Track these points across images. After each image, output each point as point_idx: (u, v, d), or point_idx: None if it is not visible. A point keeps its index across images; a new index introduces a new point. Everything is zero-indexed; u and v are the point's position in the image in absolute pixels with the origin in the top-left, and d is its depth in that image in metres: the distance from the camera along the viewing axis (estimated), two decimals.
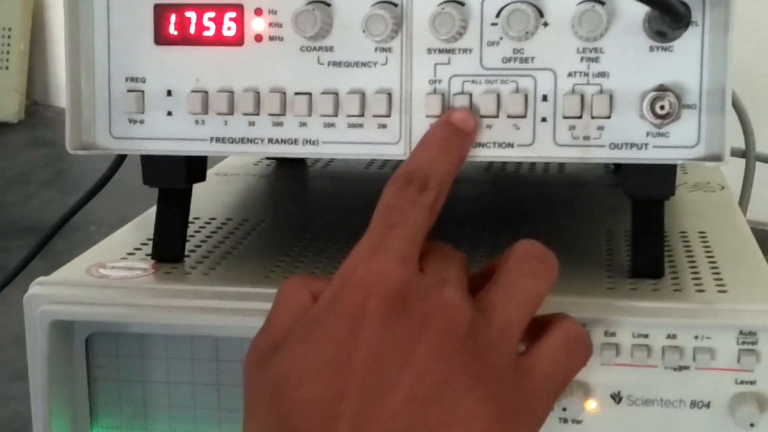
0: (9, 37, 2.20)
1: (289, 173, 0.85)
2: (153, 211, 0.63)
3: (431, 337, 0.44)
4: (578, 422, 0.54)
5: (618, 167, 0.81)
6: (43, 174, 1.52)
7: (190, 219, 0.66)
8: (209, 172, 0.82)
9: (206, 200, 0.74)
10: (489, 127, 0.54)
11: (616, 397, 0.53)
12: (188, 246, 0.64)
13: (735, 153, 0.91)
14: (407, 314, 0.44)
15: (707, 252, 0.61)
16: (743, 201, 0.89)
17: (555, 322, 0.48)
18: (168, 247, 0.61)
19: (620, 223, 0.66)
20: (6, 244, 1.20)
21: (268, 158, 0.87)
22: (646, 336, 0.52)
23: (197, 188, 0.63)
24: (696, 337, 0.52)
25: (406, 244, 0.46)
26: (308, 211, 0.76)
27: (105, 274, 0.60)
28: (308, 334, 0.46)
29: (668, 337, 0.52)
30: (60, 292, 0.57)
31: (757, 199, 0.92)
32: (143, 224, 0.69)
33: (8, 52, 2.19)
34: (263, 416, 0.45)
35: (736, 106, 0.87)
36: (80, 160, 1.29)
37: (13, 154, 1.63)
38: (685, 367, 0.52)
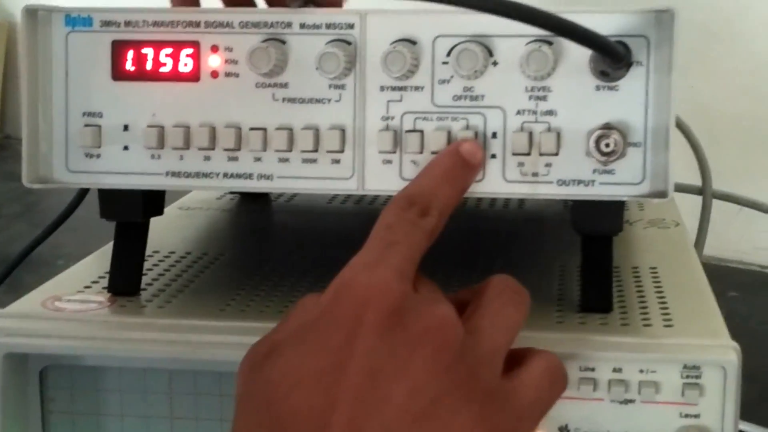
0: None
1: (251, 207, 0.85)
2: (110, 246, 0.63)
3: (427, 352, 0.44)
4: None
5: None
6: (13, 207, 1.52)
7: (150, 252, 0.67)
8: (172, 206, 0.83)
9: (167, 234, 0.75)
10: None
11: (564, 430, 0.54)
12: (145, 279, 0.64)
13: (692, 190, 0.93)
14: (403, 328, 0.45)
15: (657, 287, 0.62)
16: (700, 237, 0.90)
17: (536, 353, 0.49)
18: (124, 281, 0.62)
19: (573, 257, 0.67)
20: None
21: (231, 192, 0.87)
22: (592, 369, 0.53)
23: (159, 222, 0.63)
24: (641, 371, 0.53)
25: (404, 262, 0.47)
26: (268, 245, 0.77)
27: (60, 306, 0.60)
28: (303, 341, 0.46)
29: (614, 370, 0.53)
30: (15, 324, 0.58)
31: (714, 235, 0.93)
32: (101, 257, 0.69)
33: None
34: (253, 421, 0.45)
35: (693, 144, 0.89)
36: (50, 194, 1.28)
37: None
38: (631, 401, 0.53)
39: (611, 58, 0.51)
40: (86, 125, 0.58)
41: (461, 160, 0.53)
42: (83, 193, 0.79)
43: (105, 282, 0.63)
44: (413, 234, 0.49)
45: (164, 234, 0.74)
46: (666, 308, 0.58)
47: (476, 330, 0.47)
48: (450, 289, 0.56)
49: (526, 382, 0.47)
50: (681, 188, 0.90)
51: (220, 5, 0.60)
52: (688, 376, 0.52)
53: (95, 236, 0.71)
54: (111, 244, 0.68)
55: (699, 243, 0.90)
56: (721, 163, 0.98)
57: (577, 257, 0.65)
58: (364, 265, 0.47)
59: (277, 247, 0.76)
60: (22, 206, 1.51)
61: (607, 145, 0.53)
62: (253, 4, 0.60)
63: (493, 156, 0.55)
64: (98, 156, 0.58)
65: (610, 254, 0.57)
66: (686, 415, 0.52)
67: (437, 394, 0.44)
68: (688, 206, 0.89)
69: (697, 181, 0.92)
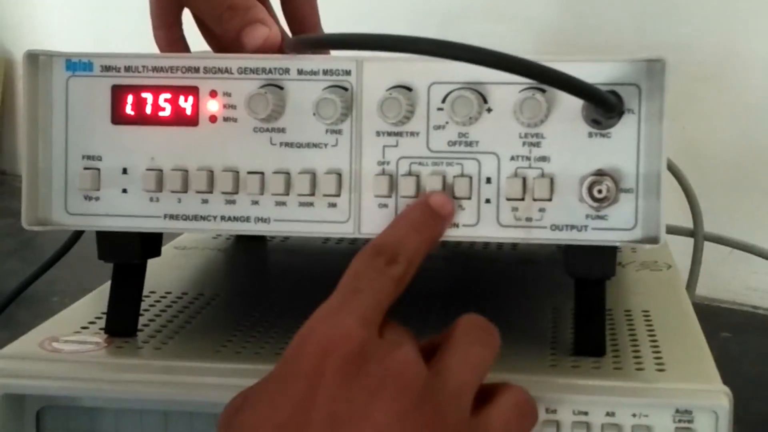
0: None
1: (247, 247, 0.86)
2: (107, 286, 0.64)
3: (387, 395, 0.45)
4: None
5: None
6: (8, 244, 1.52)
7: (146, 293, 0.67)
8: (168, 246, 0.84)
9: (163, 274, 0.75)
10: None
11: None
12: (142, 320, 0.65)
13: (683, 232, 0.93)
14: (365, 373, 0.45)
15: (649, 330, 0.63)
16: (692, 279, 0.91)
17: (504, 388, 0.50)
18: (121, 322, 0.62)
19: (566, 300, 0.67)
20: None
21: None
22: (585, 413, 0.53)
23: (155, 261, 0.64)
24: (634, 415, 0.53)
25: (368, 310, 0.48)
26: (264, 286, 0.77)
27: (57, 347, 0.60)
28: (268, 394, 0.46)
29: (607, 414, 0.53)
30: (12, 365, 0.58)
31: (706, 275, 0.94)
32: (99, 298, 0.69)
33: None
34: None
35: (684, 187, 0.90)
36: (45, 231, 1.29)
37: None
38: None
39: (603, 108, 0.52)
40: (85, 168, 0.58)
41: (431, 212, 0.54)
42: (78, 233, 0.79)
43: (102, 323, 0.64)
44: (379, 281, 0.49)
45: (160, 274, 0.75)
46: (658, 352, 0.59)
47: (443, 369, 0.48)
48: (440, 333, 0.57)
49: (494, 418, 0.48)
50: (672, 230, 0.91)
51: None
52: (680, 420, 0.53)
53: (90, 273, 0.72)
54: (107, 284, 0.69)
55: (691, 284, 0.90)
56: (712, 204, 0.99)
57: (571, 299, 0.66)
58: (326, 314, 0.48)
59: (273, 288, 0.76)
60: (17, 242, 1.51)
61: (600, 191, 0.54)
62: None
63: (488, 201, 0.55)
64: (97, 198, 0.58)
65: (603, 298, 0.58)
66: None
67: None
68: (680, 246, 0.90)
69: (688, 222, 0.92)
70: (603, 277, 0.57)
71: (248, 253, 0.85)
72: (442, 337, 0.51)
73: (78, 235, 0.79)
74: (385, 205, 0.56)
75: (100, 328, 0.63)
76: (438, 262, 0.81)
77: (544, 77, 0.50)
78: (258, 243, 0.87)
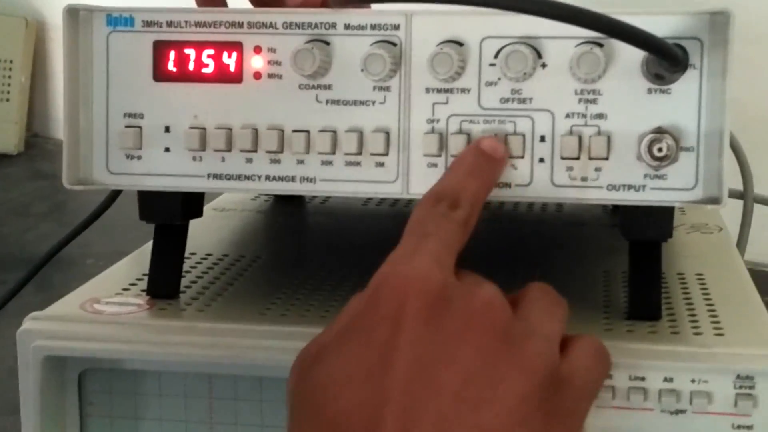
0: (10, 69, 2.20)
1: (286, 209, 0.84)
2: (149, 246, 0.63)
3: (475, 336, 0.44)
4: None
5: (616, 208, 0.81)
6: (42, 206, 1.52)
7: (186, 254, 0.66)
8: (207, 207, 0.82)
9: (203, 236, 0.74)
10: None
11: None
12: (184, 282, 0.63)
13: (733, 194, 0.91)
14: (449, 314, 0.44)
15: (705, 294, 0.61)
16: (741, 242, 0.89)
17: (580, 337, 0.49)
18: (163, 283, 0.61)
19: (618, 263, 0.66)
20: (3, 276, 1.20)
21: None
22: (642, 379, 0.52)
23: (195, 223, 0.63)
24: (693, 381, 0.51)
25: (441, 251, 0.46)
26: (305, 247, 0.76)
27: (99, 309, 0.59)
28: (348, 341, 0.45)
29: (665, 380, 0.52)
30: (53, 327, 0.57)
31: (754, 240, 0.91)
32: (139, 259, 0.68)
33: (9, 84, 2.19)
34: (307, 428, 0.44)
35: (735, 148, 0.87)
36: (79, 193, 1.28)
37: (11, 186, 1.63)
38: (682, 411, 0.52)
39: (670, 61, 0.50)
40: (127, 126, 0.57)
41: (484, 156, 0.52)
42: (115, 194, 0.78)
43: (143, 284, 0.63)
44: (446, 225, 0.48)
45: (201, 236, 0.73)
46: (715, 316, 0.57)
47: (528, 316, 0.47)
48: None
49: (577, 366, 0.47)
50: None
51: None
52: (741, 387, 0.51)
53: (124, 237, 0.71)
54: (147, 246, 0.68)
55: (740, 247, 0.88)
56: (762, 167, 0.97)
57: (622, 262, 0.64)
58: (400, 257, 0.46)
59: (315, 249, 0.75)
60: (51, 205, 1.51)
61: (660, 150, 0.52)
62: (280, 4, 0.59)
63: (541, 160, 0.54)
64: (139, 158, 0.57)
65: (659, 261, 0.56)
66: (739, 426, 0.51)
67: (492, 380, 0.43)
68: (727, 210, 0.88)
69: (737, 185, 0.90)
70: (660, 239, 0.56)
71: (288, 215, 0.84)
72: (512, 298, 0.49)
73: (115, 196, 0.78)
74: (435, 165, 0.55)
75: (142, 290, 0.62)
76: (481, 226, 0.79)
77: (610, 29, 0.48)
78: (297, 205, 0.86)
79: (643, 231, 0.55)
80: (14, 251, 1.34)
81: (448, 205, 0.49)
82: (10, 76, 2.20)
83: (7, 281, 1.19)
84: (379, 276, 0.46)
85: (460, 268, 0.48)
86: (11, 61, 2.21)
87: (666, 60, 0.50)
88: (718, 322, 0.56)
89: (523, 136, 0.54)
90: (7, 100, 2.17)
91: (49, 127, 2.04)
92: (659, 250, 0.56)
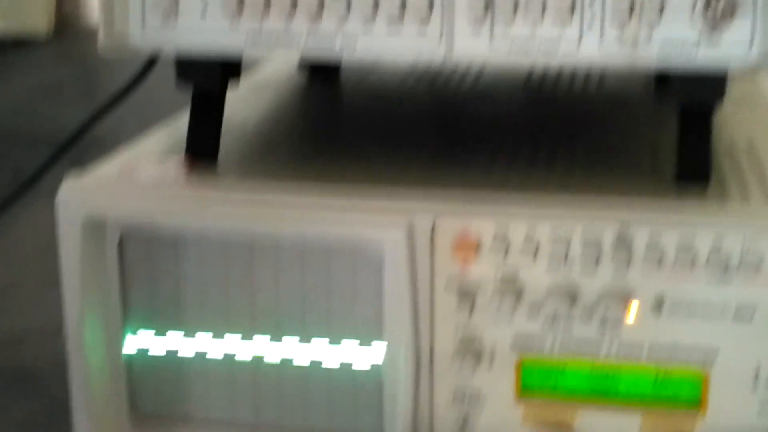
0: None
1: (322, 87, 0.83)
2: (186, 117, 0.62)
3: None
4: (618, 328, 0.53)
5: (659, 83, 0.79)
6: (73, 89, 1.51)
7: (224, 122, 0.65)
8: (242, 84, 0.81)
9: (238, 108, 0.73)
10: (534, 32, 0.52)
11: (658, 303, 0.52)
12: (222, 149, 0.63)
13: None
14: None
15: (754, 160, 0.60)
16: None
17: None
18: (202, 149, 0.61)
19: (663, 138, 0.64)
20: (37, 158, 1.20)
21: (301, 67, 0.85)
22: (691, 242, 0.51)
23: (230, 96, 0.62)
24: (742, 245, 0.50)
25: None
26: (343, 119, 0.75)
27: (138, 174, 0.59)
28: None
29: (714, 244, 0.51)
30: (93, 192, 0.57)
31: None
32: (176, 127, 0.68)
33: None
34: None
35: None
36: (111, 75, 1.27)
37: (42, 68, 1.62)
38: (730, 276, 0.51)
39: None
40: None
41: None
42: (149, 64, 0.77)
43: (181, 149, 0.62)
44: None
45: (236, 108, 0.73)
46: (765, 181, 0.56)
47: None
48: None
49: None
50: None
51: None
52: None
53: (158, 118, 0.70)
54: (183, 117, 0.67)
55: None
56: None
57: (667, 137, 0.63)
58: None
59: (353, 121, 0.74)
60: (82, 88, 1.50)
61: (715, 10, 0.50)
62: None
63: (591, 21, 0.52)
64: (175, 20, 0.56)
65: (710, 125, 0.55)
66: None
67: None
68: None
69: None
70: (712, 103, 0.54)
71: (323, 92, 0.82)
72: None
73: (148, 66, 0.77)
74: (479, 28, 0.53)
75: (180, 155, 0.61)
76: (521, 103, 0.78)
77: None
78: (332, 82, 0.84)
79: (696, 95, 0.53)
80: (46, 133, 1.34)
81: None
82: None
83: (40, 163, 1.19)
84: None
85: None
86: None
87: None
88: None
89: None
90: None
91: (79, 9, 2.02)
92: (710, 115, 0.55)
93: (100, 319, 0.58)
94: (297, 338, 0.58)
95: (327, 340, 0.57)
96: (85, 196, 0.56)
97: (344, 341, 0.57)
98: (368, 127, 0.70)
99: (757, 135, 0.66)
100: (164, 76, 0.64)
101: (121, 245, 0.58)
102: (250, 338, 0.58)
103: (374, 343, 0.56)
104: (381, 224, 0.54)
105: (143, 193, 0.57)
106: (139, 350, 0.59)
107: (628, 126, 0.70)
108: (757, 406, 0.52)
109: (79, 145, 1.07)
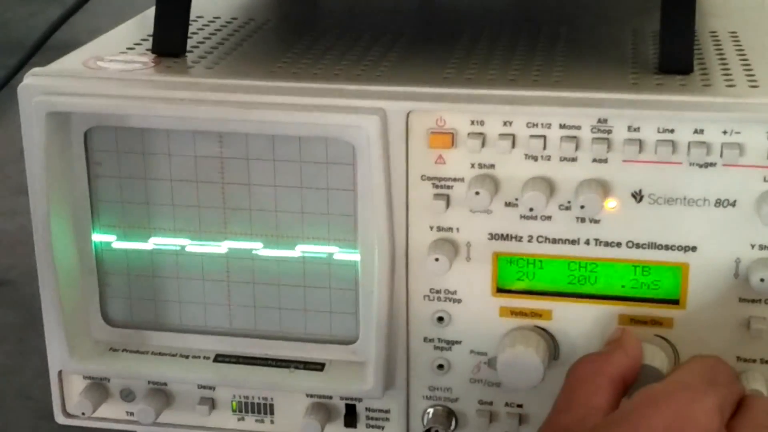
0: None
1: None
2: (152, 10, 0.60)
3: None
4: (596, 222, 0.52)
5: None
6: None
7: (193, 17, 0.63)
8: None
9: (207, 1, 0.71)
10: None
11: (637, 196, 0.51)
12: (190, 43, 0.61)
13: None
14: None
15: (738, 50, 0.58)
16: None
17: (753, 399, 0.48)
18: (169, 40, 0.58)
19: (646, 23, 0.62)
20: (9, 62, 1.17)
21: None
22: (671, 131, 0.50)
23: None
24: (724, 132, 0.49)
25: (724, 403, 0.46)
26: (316, 13, 0.72)
27: (103, 66, 0.57)
28: None
29: (695, 132, 0.49)
30: (56, 83, 0.55)
31: None
32: (144, 22, 0.65)
33: None
34: None
35: None
36: None
37: None
38: (712, 164, 0.50)
39: None
40: None
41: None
42: None
43: (148, 44, 0.60)
44: (736, 386, 0.48)
45: (207, 0, 0.70)
46: (750, 69, 0.54)
47: None
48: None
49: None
50: None
51: None
52: None
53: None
54: (149, 10, 0.65)
55: None
56: None
57: (649, 23, 0.61)
58: (685, 391, 0.45)
59: (326, 16, 0.71)
60: None
61: None
62: None
63: None
64: None
65: (693, 10, 0.53)
66: None
67: None
68: None
69: None
70: None
71: None
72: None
73: None
74: None
75: (147, 49, 0.59)
76: None
77: None
78: None
79: None
80: (19, 36, 1.31)
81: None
82: None
83: (11, 67, 1.16)
84: (655, 393, 0.45)
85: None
86: None
87: None
88: (752, 75, 0.53)
89: None
90: None
91: None
92: (693, 0, 0.53)
93: (67, 215, 0.57)
94: (269, 236, 0.56)
95: (299, 238, 0.56)
96: (48, 88, 0.54)
97: (317, 238, 0.56)
98: (341, 21, 0.68)
99: (743, 21, 0.64)
100: None
101: (87, 138, 0.56)
102: (222, 239, 0.57)
103: (348, 238, 0.55)
104: (355, 112, 0.52)
105: (108, 85, 0.55)
106: (108, 251, 0.58)
107: (612, 14, 0.68)
108: (737, 297, 0.51)
109: (54, 49, 1.04)
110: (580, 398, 0.48)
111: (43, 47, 1.15)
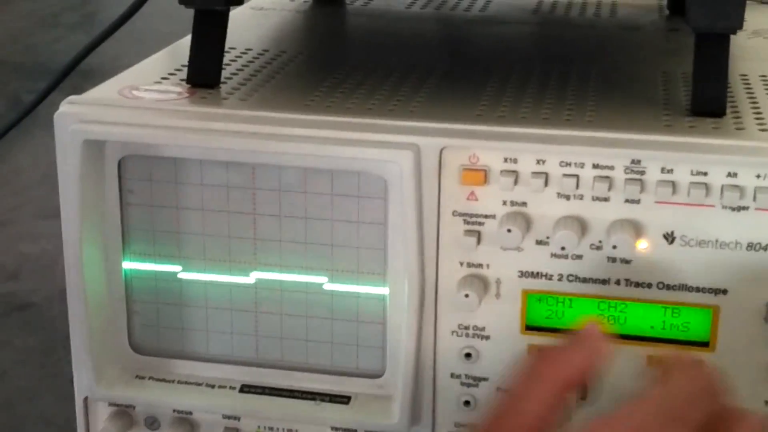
0: None
1: (326, 10, 0.81)
2: (187, 39, 0.60)
3: None
4: (627, 262, 0.52)
5: (673, 11, 0.77)
6: (72, 17, 1.48)
7: (226, 49, 0.63)
8: (244, 7, 0.79)
9: (242, 32, 0.71)
10: None
11: (669, 237, 0.51)
12: (224, 74, 0.61)
13: None
14: None
15: None
16: None
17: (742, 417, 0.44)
18: (204, 71, 0.59)
19: (677, 65, 0.63)
20: (35, 85, 1.18)
21: None
22: (705, 174, 0.50)
23: (232, 20, 0.60)
24: (758, 176, 0.49)
25: None
26: (347, 46, 0.73)
27: (138, 95, 0.57)
28: None
29: (728, 175, 0.50)
30: (92, 111, 0.55)
31: None
32: (177, 51, 0.66)
33: None
34: None
35: None
36: (109, 3, 1.25)
37: None
38: (744, 208, 0.50)
39: None
40: None
41: None
42: None
43: (182, 74, 0.60)
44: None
45: (239, 32, 0.71)
46: None
47: None
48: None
49: None
50: None
51: None
52: None
53: (158, 48, 0.68)
54: (184, 39, 0.65)
55: None
56: None
57: (681, 65, 0.61)
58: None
59: (357, 48, 0.72)
60: (81, 16, 1.47)
61: None
62: None
63: None
64: None
65: (727, 53, 0.53)
66: None
67: None
68: None
69: None
70: (728, 30, 0.52)
71: (328, 16, 0.80)
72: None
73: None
74: None
75: (182, 79, 0.60)
76: (531, 29, 0.76)
77: None
78: (337, 6, 0.82)
79: (712, 20, 0.52)
80: (44, 61, 1.32)
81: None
82: None
83: (38, 90, 1.17)
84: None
85: None
86: None
87: None
88: None
89: None
90: None
91: None
92: (727, 43, 0.53)
93: (98, 242, 0.57)
94: (299, 270, 0.56)
95: (329, 270, 0.56)
96: (83, 115, 0.55)
97: (346, 271, 0.56)
98: (373, 54, 0.68)
99: None
100: (163, 7, 0.62)
101: (120, 166, 0.56)
102: (251, 270, 0.57)
103: (378, 273, 0.55)
104: (388, 147, 0.52)
105: (143, 114, 0.55)
106: (137, 279, 0.58)
107: (643, 56, 0.68)
108: (767, 341, 0.51)
109: (78, 74, 1.06)
110: (512, 401, 0.44)
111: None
